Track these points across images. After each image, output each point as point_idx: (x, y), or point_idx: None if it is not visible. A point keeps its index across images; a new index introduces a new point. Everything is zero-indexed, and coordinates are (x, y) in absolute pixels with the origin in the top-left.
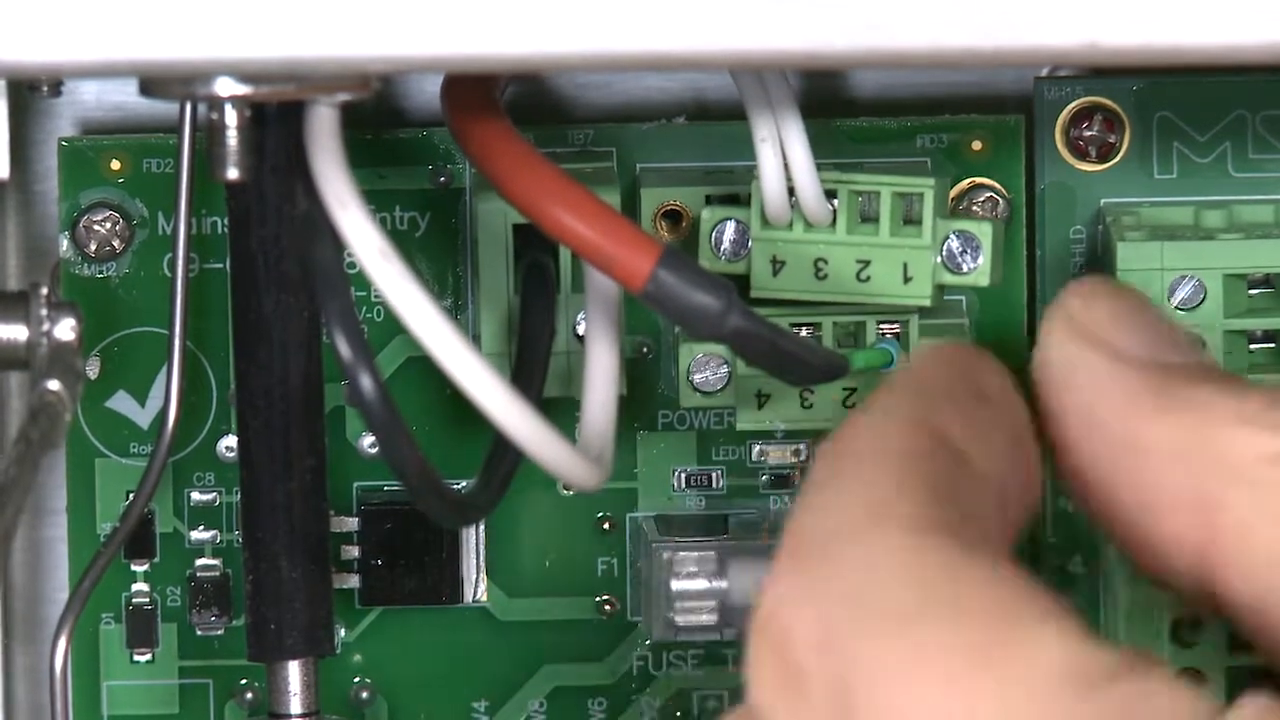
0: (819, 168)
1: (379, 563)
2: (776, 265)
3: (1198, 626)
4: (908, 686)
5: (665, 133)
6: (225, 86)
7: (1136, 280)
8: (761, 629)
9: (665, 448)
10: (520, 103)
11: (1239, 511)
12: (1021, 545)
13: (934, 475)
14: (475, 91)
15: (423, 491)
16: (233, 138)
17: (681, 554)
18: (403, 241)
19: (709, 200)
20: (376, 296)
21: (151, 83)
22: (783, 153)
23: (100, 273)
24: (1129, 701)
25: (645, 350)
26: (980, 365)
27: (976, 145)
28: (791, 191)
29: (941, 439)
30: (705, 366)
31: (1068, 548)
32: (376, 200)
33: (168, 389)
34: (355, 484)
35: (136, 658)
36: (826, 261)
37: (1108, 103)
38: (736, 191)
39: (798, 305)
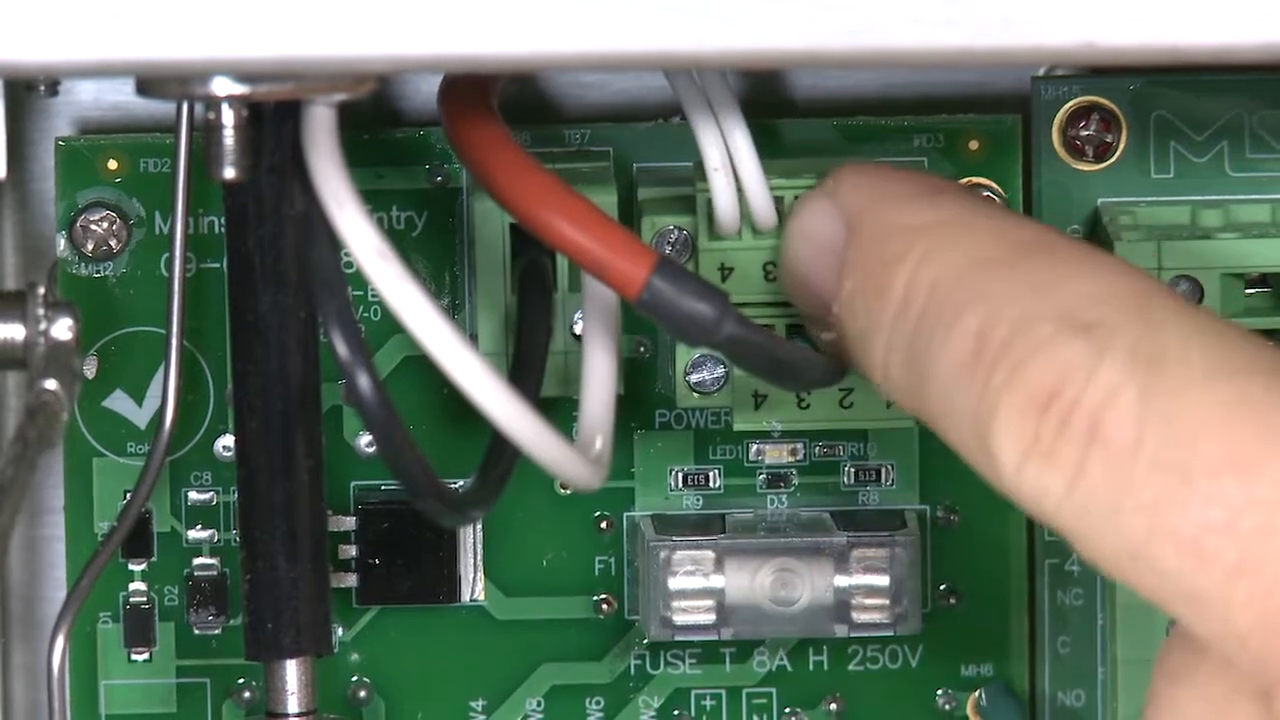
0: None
1: (376, 562)
2: (725, 272)
3: None
4: (1233, 432)
5: (663, 132)
6: (222, 86)
7: None
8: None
9: (663, 447)
10: (518, 102)
11: None
12: (1018, 545)
13: None
14: (471, 98)
15: (420, 491)
16: (230, 137)
17: (679, 553)
18: (400, 241)
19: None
20: (374, 296)
21: (148, 82)
22: (732, 166)
23: (97, 272)
24: None
25: (642, 350)
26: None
27: (973, 145)
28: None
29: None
30: (702, 366)
31: (1066, 547)
32: (374, 200)
33: (165, 388)
34: (353, 483)
35: (134, 657)
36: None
37: (1105, 102)
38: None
39: (787, 307)
